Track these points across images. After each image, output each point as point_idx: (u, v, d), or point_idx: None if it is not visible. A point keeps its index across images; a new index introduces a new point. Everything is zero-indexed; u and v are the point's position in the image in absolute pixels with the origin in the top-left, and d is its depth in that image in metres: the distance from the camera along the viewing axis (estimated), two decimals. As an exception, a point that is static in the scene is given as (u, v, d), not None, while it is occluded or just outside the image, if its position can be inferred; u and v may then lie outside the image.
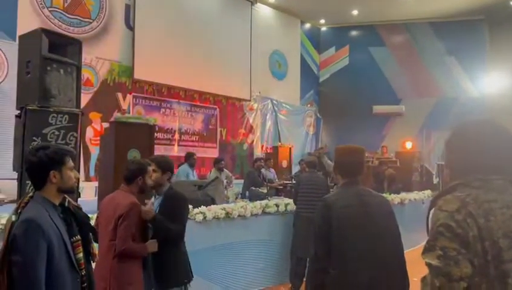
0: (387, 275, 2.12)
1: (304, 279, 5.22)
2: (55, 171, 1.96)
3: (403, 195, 7.82)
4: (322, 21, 15.03)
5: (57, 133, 4.13)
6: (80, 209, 2.21)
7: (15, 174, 4.43)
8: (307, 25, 15.03)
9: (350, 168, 2.33)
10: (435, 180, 11.93)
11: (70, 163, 2.04)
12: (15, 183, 4.64)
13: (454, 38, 13.47)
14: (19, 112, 4.28)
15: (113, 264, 2.74)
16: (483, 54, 13.32)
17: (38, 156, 1.96)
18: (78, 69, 4.50)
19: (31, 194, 1.98)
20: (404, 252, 2.26)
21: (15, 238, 1.79)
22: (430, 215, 1.95)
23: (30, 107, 4.03)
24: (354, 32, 14.98)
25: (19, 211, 1.89)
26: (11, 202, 6.34)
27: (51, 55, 4.21)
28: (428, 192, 8.96)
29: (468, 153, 1.48)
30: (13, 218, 1.88)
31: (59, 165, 1.98)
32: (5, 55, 7.51)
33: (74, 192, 2.13)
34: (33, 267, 1.78)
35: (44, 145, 2.05)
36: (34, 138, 4.02)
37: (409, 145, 12.75)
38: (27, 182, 4.02)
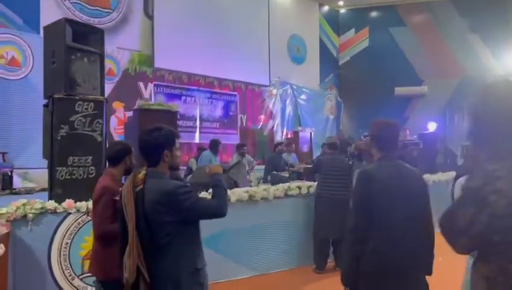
0: (420, 247, 2.20)
1: (328, 260, 5.27)
2: (167, 151, 2.14)
3: (427, 176, 7.72)
4: (341, 3, 14.80)
5: (83, 120, 4.25)
6: None
7: (44, 164, 4.59)
8: (325, 8, 14.82)
9: (388, 142, 2.35)
10: (460, 162, 11.71)
11: (178, 143, 2.24)
12: (44, 172, 4.81)
13: (477, 15, 13.06)
14: (46, 101, 4.42)
15: (96, 247, 2.72)
16: (508, 30, 12.89)
17: (154, 136, 2.13)
18: (101, 58, 4.60)
19: (144, 172, 2.13)
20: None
21: (178, 201, 2.03)
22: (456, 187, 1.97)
23: (57, 96, 4.15)
24: (373, 13, 14.71)
25: (141, 186, 2.05)
26: (42, 190, 6.57)
27: (74, 44, 4.31)
28: (452, 174, 8.81)
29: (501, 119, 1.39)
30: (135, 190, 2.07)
31: (170, 145, 2.17)
32: (30, 47, 7.70)
33: (179, 169, 2.32)
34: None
35: (158, 126, 2.19)
36: (62, 125, 4.14)
37: (432, 126, 12.52)
38: (57, 168, 4.17)
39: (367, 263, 2.16)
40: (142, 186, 2.05)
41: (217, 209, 2.16)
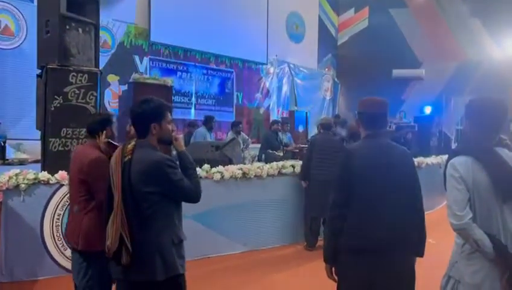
0: (404, 226, 2.14)
1: (319, 237, 5.34)
2: (155, 124, 2.13)
3: (420, 159, 7.77)
4: (341, -19, 14.58)
5: (77, 92, 4.21)
6: None
7: (37, 135, 4.56)
8: (325, -15, 14.60)
9: (374, 120, 2.28)
10: (454, 146, 11.78)
11: (169, 117, 2.21)
12: (37, 143, 4.79)
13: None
14: (39, 71, 4.36)
15: (84, 219, 2.60)
16: (509, 15, 12.75)
17: (142, 108, 2.12)
18: (96, 29, 4.53)
19: (133, 142, 2.13)
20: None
21: (165, 173, 2.04)
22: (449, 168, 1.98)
23: (51, 66, 4.09)
24: (374, -7, 14.50)
25: (129, 156, 2.06)
26: (35, 161, 6.54)
27: (69, 14, 4.23)
28: (446, 157, 8.85)
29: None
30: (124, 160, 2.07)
31: (159, 118, 2.14)
32: (24, 16, 7.54)
33: (171, 143, 2.26)
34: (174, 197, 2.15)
35: (148, 98, 2.17)
36: (56, 96, 4.11)
37: (428, 110, 12.54)
38: (50, 139, 4.14)
39: (344, 241, 2.14)
40: (130, 157, 2.06)
41: (196, 195, 2.17)
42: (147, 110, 2.12)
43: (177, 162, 2.19)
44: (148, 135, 2.13)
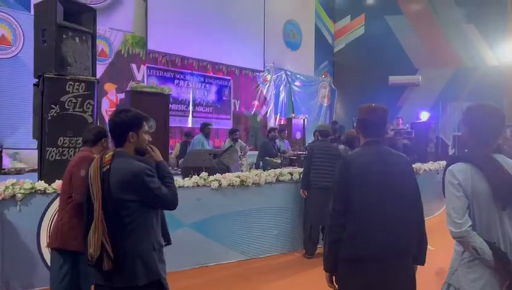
0: (404, 234, 2.12)
1: (318, 245, 5.31)
2: (133, 132, 2.17)
3: (418, 165, 7.77)
4: (337, -11, 14.68)
5: (74, 101, 4.20)
6: None
7: (33, 144, 4.54)
8: (322, -7, 14.70)
9: (372, 127, 2.25)
10: (451, 152, 11.81)
11: (146, 127, 2.25)
12: (34, 152, 4.76)
13: (474, 5, 13.03)
14: (36, 81, 4.35)
15: (64, 217, 2.83)
16: (504, 21, 12.89)
17: (120, 117, 2.17)
18: (93, 38, 4.53)
19: (111, 152, 2.15)
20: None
21: (144, 182, 2.07)
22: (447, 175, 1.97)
23: (48, 75, 4.09)
24: (370, 0, 14.60)
25: (107, 166, 2.08)
26: (32, 171, 6.52)
27: (66, 23, 4.24)
28: (443, 163, 8.87)
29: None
30: (103, 170, 2.09)
31: (137, 127, 2.19)
32: (20, 26, 7.55)
33: (145, 154, 2.24)
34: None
35: (126, 108, 2.24)
36: (53, 105, 4.10)
37: (424, 116, 12.58)
38: (47, 149, 4.13)
39: (343, 249, 2.13)
40: (108, 167, 2.09)
41: (174, 202, 2.21)
42: (125, 119, 2.16)
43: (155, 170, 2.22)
44: (126, 144, 2.17)
